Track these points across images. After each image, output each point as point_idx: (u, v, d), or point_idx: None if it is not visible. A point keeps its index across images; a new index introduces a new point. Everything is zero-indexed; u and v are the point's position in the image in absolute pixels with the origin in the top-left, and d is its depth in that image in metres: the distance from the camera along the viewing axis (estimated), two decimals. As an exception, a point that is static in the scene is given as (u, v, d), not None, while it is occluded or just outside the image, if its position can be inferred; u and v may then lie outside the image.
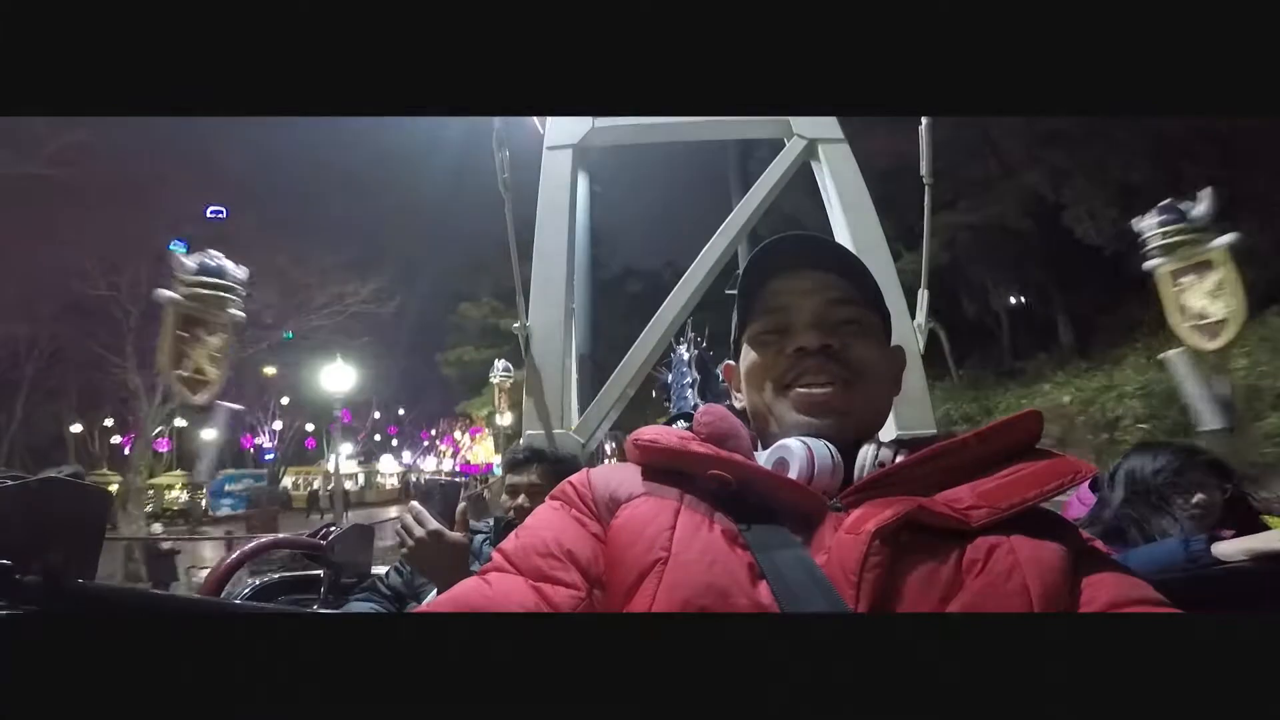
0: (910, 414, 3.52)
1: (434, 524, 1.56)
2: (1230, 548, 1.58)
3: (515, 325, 3.81)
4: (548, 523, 0.88)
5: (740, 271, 1.00)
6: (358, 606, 2.15)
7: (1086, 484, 2.26)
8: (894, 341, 1.00)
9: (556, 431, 3.65)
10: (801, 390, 0.91)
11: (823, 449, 0.85)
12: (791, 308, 0.95)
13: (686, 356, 6.68)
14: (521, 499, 2.30)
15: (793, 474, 0.84)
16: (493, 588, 0.80)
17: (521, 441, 3.47)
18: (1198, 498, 2.03)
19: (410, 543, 1.56)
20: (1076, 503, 2.34)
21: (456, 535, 1.57)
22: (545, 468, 2.37)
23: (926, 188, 3.98)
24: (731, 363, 1.07)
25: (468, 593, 0.81)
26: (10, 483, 1.31)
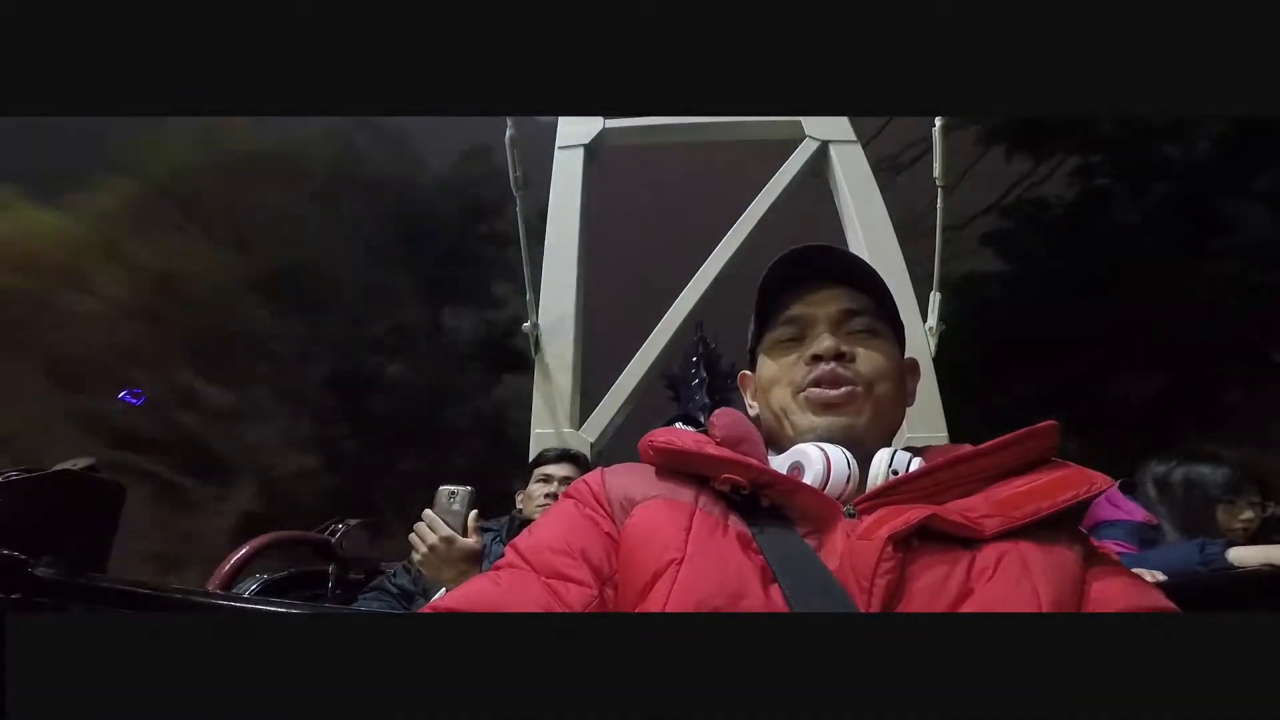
0: (922, 418, 3.53)
1: (446, 530, 1.56)
2: (1246, 554, 1.57)
3: (525, 325, 3.80)
4: (562, 521, 0.87)
5: (759, 284, 1.00)
6: (366, 607, 2.15)
7: (1116, 487, 2.22)
8: (907, 349, 1.01)
9: (565, 431, 3.64)
10: (816, 393, 0.94)
11: (839, 455, 0.85)
12: (807, 317, 0.97)
13: (695, 356, 6.66)
14: (555, 486, 2.35)
15: (808, 479, 0.83)
16: (505, 584, 0.80)
17: (537, 441, 3.49)
18: (1246, 514, 2.00)
19: (423, 549, 1.57)
20: (1106, 504, 2.30)
21: (468, 541, 1.56)
22: (573, 465, 2.44)
23: (940, 190, 3.95)
24: (747, 372, 1.07)
25: (480, 589, 0.80)
26: (24, 475, 1.31)
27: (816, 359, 0.92)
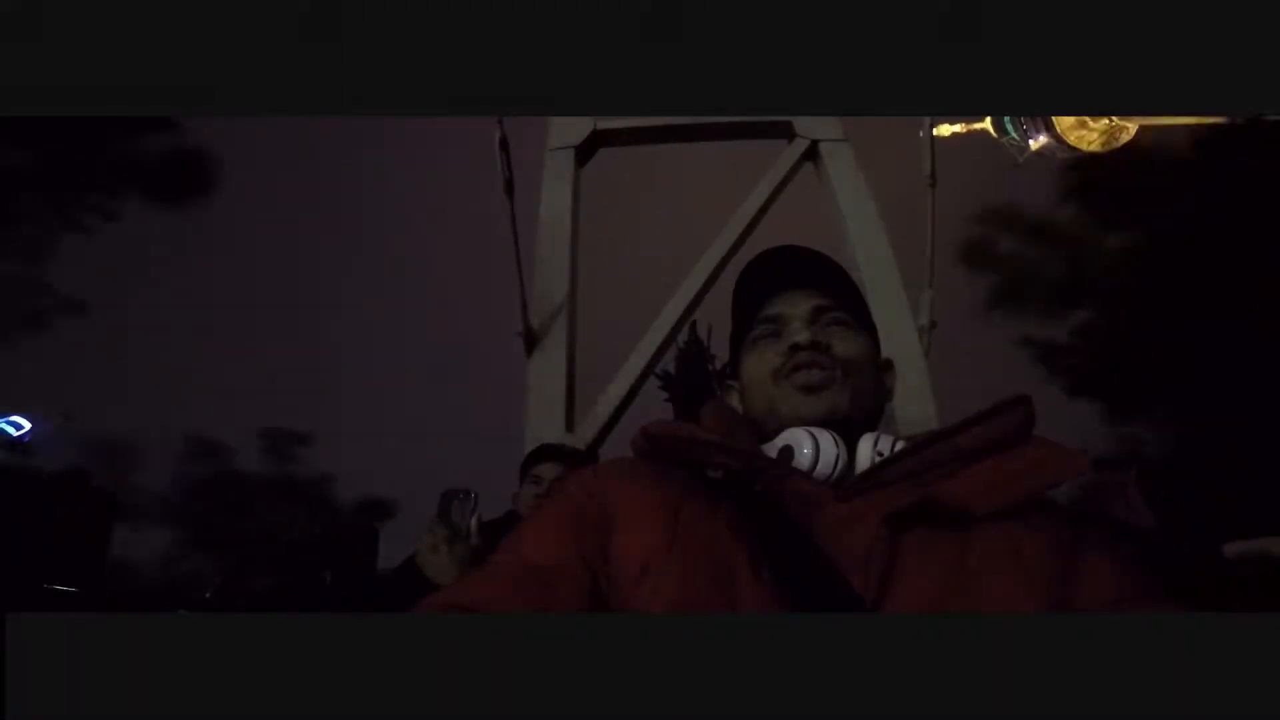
0: (914, 412, 3.54)
1: (450, 533, 1.58)
2: (1240, 547, 1.57)
3: (518, 328, 3.79)
4: (554, 514, 0.88)
5: (734, 288, 1.07)
6: None
7: (1133, 482, 2.18)
8: (898, 346, 1.03)
9: (558, 433, 3.63)
10: (798, 377, 0.95)
11: (828, 439, 0.86)
12: (783, 316, 1.00)
13: (689, 355, 6.66)
14: (546, 487, 2.30)
15: (798, 463, 0.84)
16: (500, 577, 0.80)
17: (532, 443, 3.47)
18: None
19: (427, 552, 1.58)
20: (1122, 501, 2.22)
21: (472, 544, 1.59)
22: (563, 465, 2.38)
23: (931, 189, 3.97)
24: (731, 382, 1.09)
25: (474, 581, 0.82)
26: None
27: (795, 348, 0.94)
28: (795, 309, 0.98)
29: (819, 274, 1.01)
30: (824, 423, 0.90)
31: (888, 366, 1.03)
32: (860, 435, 0.91)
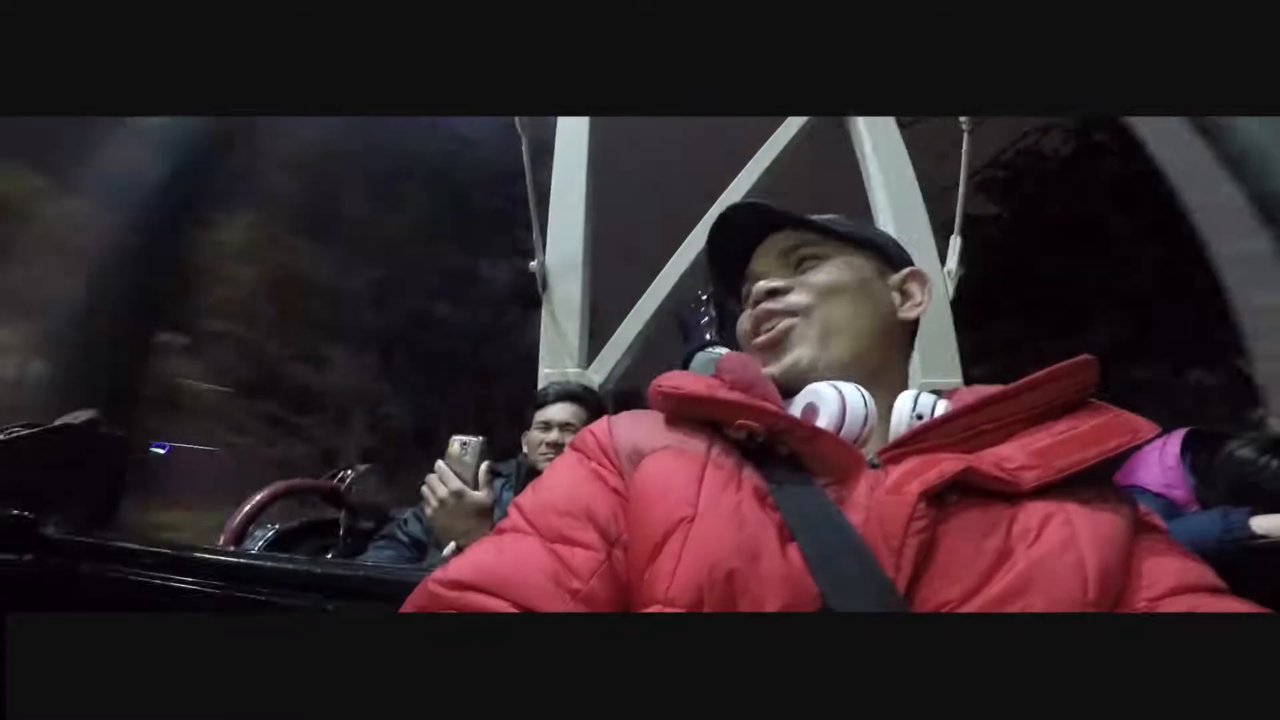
0: (935, 354, 3.55)
1: (456, 483, 1.57)
2: (1270, 523, 1.55)
3: (532, 264, 3.76)
4: (566, 478, 0.83)
5: (707, 258, 1.02)
6: (377, 556, 2.18)
7: (1176, 446, 2.15)
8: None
9: (572, 370, 3.62)
10: (758, 341, 0.91)
11: (855, 394, 0.81)
12: (755, 271, 0.96)
13: (704, 295, 6.59)
14: (555, 434, 2.28)
15: (823, 422, 0.79)
16: (509, 551, 0.77)
17: (545, 382, 3.47)
18: None
19: (434, 502, 1.59)
20: (1158, 468, 2.17)
21: (479, 495, 1.57)
22: (575, 405, 2.37)
23: (965, 134, 3.88)
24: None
25: (484, 555, 0.77)
26: (25, 430, 1.31)
27: (755, 305, 0.92)
28: (759, 262, 0.95)
29: (783, 218, 0.95)
30: (792, 383, 0.86)
31: (914, 277, 0.96)
32: (867, 371, 0.86)
